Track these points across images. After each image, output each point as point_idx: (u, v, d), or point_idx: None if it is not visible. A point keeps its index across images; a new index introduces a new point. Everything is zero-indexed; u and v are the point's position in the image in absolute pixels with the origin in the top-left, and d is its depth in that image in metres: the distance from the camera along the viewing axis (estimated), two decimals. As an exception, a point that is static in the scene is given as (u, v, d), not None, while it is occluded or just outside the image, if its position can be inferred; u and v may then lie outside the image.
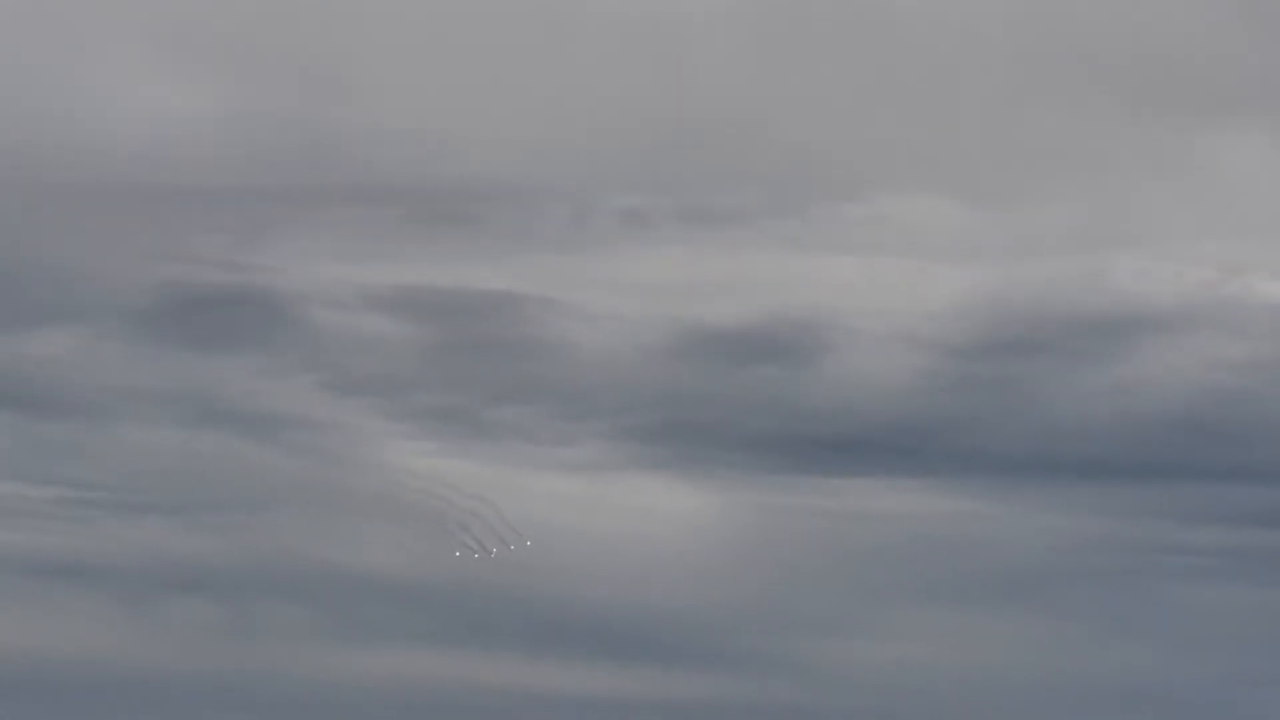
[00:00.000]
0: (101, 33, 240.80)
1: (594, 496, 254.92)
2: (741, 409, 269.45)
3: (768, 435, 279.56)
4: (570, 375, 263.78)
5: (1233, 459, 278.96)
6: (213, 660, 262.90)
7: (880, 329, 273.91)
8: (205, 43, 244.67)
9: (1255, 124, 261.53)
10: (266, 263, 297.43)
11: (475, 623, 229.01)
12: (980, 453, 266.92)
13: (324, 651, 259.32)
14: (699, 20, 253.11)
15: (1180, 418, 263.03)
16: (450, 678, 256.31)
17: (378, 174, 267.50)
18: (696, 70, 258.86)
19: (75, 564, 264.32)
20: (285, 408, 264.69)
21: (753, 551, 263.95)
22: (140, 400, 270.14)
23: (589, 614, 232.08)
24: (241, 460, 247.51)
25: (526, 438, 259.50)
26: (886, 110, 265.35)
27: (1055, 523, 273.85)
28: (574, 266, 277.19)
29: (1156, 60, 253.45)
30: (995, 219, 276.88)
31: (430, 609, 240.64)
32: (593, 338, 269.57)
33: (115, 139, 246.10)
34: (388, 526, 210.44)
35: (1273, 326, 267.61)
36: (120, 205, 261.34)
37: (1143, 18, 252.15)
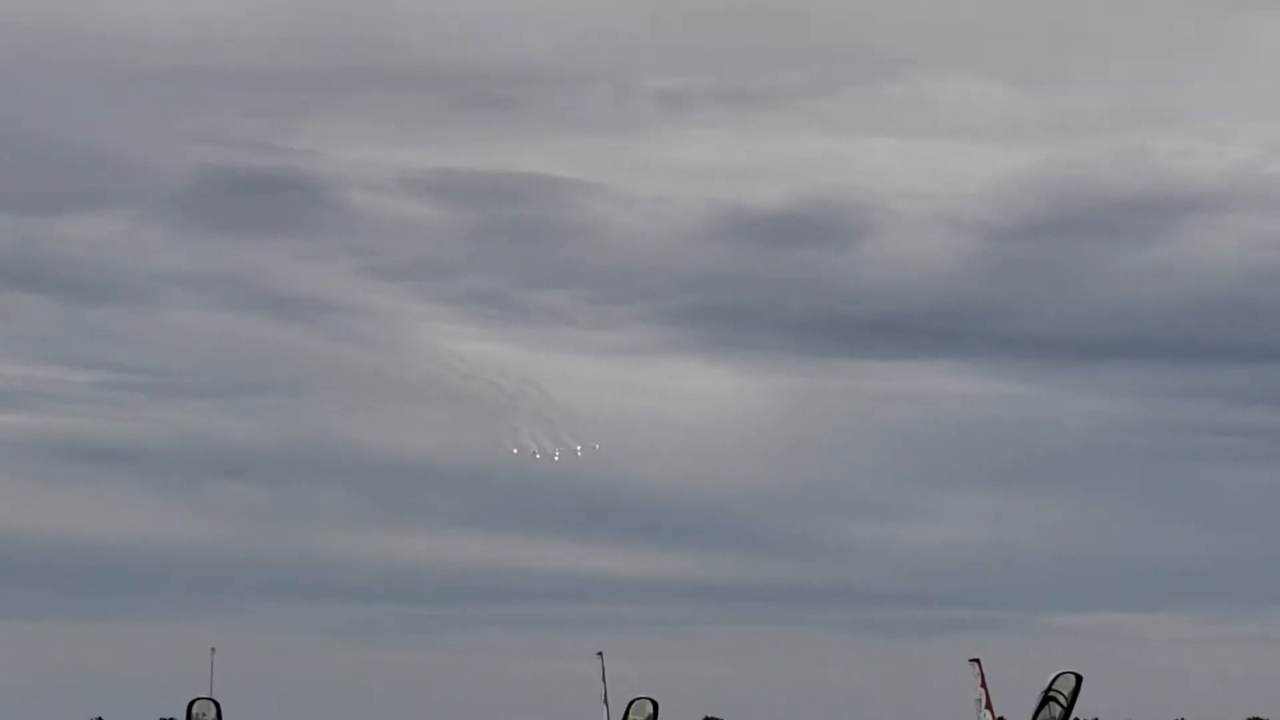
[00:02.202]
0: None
1: (633, 380, 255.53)
2: (780, 292, 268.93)
3: (807, 318, 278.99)
4: (609, 259, 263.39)
5: (1275, 339, 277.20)
6: (254, 543, 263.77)
7: (920, 211, 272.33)
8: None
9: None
10: (305, 146, 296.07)
11: (516, 507, 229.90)
12: (1020, 335, 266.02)
13: (366, 535, 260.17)
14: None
15: (1222, 298, 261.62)
16: (491, 561, 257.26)
17: (416, 57, 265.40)
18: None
19: (116, 448, 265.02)
20: (325, 292, 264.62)
21: (791, 434, 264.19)
22: (180, 284, 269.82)
23: (629, 498, 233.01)
24: (282, 344, 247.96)
25: (566, 321, 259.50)
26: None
27: (1096, 404, 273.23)
28: (613, 149, 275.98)
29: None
30: (1036, 99, 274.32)
31: (471, 493, 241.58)
32: (632, 221, 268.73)
33: (154, 24, 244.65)
34: (429, 410, 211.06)
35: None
36: (159, 90, 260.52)
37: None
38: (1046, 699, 62.06)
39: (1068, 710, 61.96)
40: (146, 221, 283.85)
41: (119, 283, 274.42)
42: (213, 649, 75.69)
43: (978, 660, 75.40)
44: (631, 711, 69.57)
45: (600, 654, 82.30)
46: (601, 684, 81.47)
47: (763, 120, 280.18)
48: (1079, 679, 61.37)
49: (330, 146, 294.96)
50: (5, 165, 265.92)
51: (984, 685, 74.71)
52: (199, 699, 69.10)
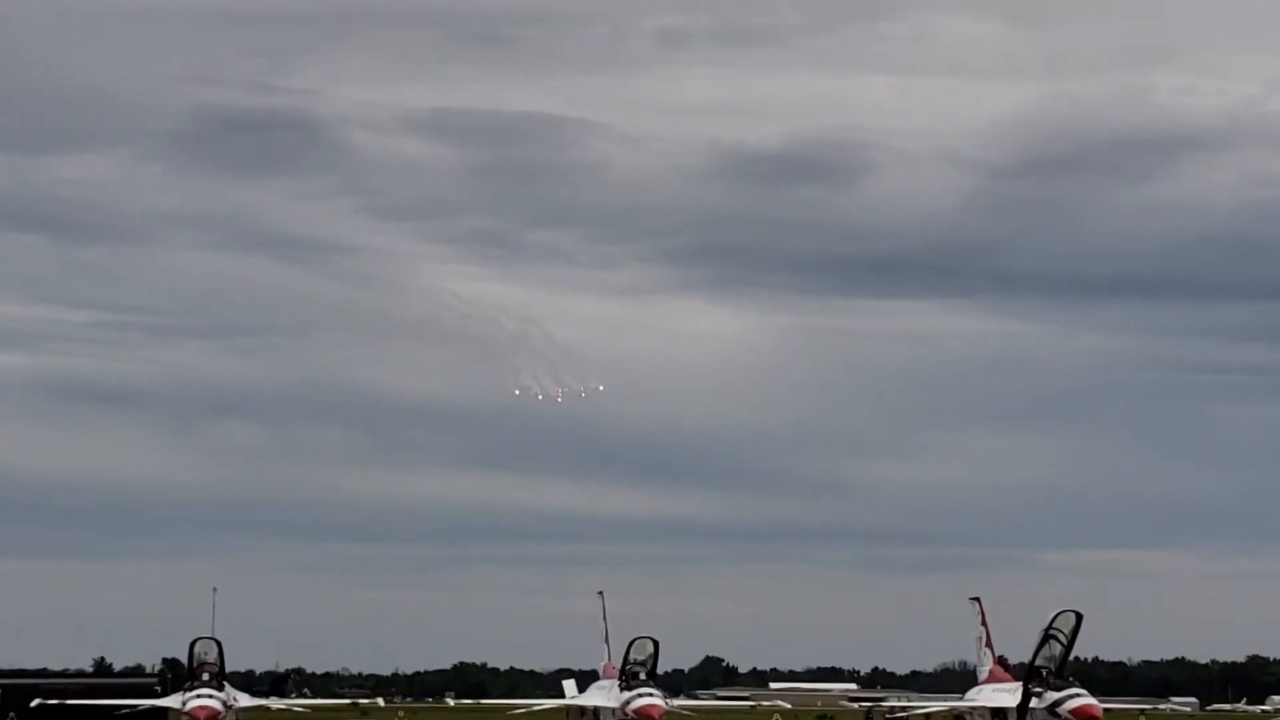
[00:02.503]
0: None
1: (633, 319, 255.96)
2: (781, 230, 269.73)
3: (807, 257, 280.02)
4: (609, 198, 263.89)
5: (1274, 276, 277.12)
6: (253, 483, 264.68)
7: (920, 149, 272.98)
8: None
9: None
10: (303, 86, 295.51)
11: (517, 446, 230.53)
12: (1020, 273, 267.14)
13: (365, 475, 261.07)
14: None
15: (1222, 235, 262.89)
16: (492, 501, 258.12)
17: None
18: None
19: (114, 388, 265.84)
20: (323, 232, 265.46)
21: (793, 373, 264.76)
22: (178, 225, 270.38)
23: (631, 437, 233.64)
24: (280, 284, 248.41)
25: (566, 261, 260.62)
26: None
27: (1096, 342, 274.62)
28: (612, 88, 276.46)
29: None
30: (1036, 37, 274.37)
31: (472, 433, 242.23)
32: (631, 160, 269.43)
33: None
34: (428, 350, 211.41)
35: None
36: (156, 30, 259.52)
37: None
38: (1046, 637, 62.22)
39: (1068, 649, 62.13)
40: (143, 161, 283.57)
41: (115, 223, 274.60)
42: (214, 588, 75.92)
43: (978, 599, 75.57)
44: (632, 650, 69.74)
45: (601, 593, 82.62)
46: (602, 622, 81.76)
47: (762, 59, 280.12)
48: (1079, 617, 61.50)
49: (329, 86, 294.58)
50: (1, 105, 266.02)
51: (984, 624, 74.86)
52: (201, 638, 69.28)
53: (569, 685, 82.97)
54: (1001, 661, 74.09)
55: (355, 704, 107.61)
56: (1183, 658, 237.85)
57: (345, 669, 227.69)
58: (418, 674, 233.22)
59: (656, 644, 69.40)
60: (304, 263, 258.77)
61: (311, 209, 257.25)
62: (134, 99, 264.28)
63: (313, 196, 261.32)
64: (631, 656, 69.64)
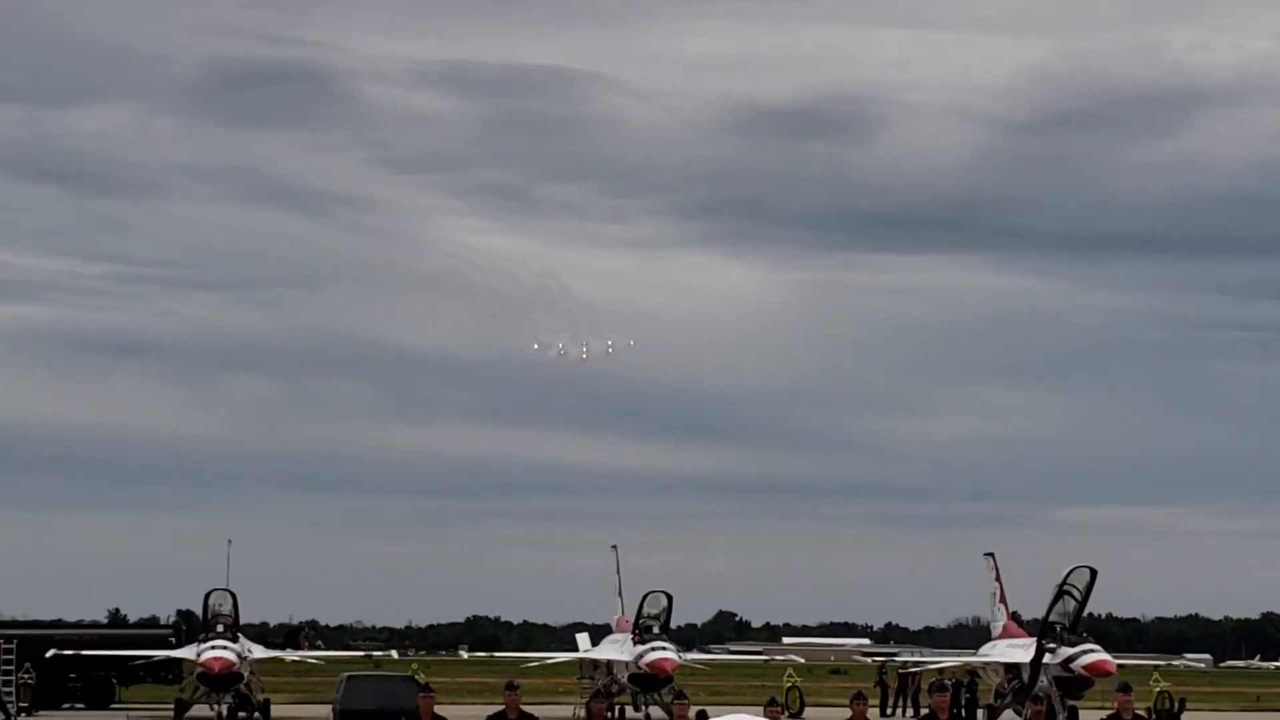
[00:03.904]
0: None
1: (647, 274, 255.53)
2: (794, 185, 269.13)
3: (820, 211, 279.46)
4: (621, 152, 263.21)
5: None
6: (268, 436, 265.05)
7: (933, 103, 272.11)
8: None
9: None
10: (315, 38, 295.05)
11: (531, 400, 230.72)
12: (1034, 229, 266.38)
13: (380, 428, 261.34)
14: None
15: (1236, 192, 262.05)
16: (506, 455, 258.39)
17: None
18: None
19: (128, 340, 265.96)
20: (336, 184, 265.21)
21: (806, 328, 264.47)
22: (190, 177, 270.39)
23: (644, 392, 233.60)
24: (293, 237, 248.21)
25: (578, 214, 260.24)
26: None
27: (1110, 298, 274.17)
28: (624, 41, 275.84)
29: None
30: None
31: (486, 386, 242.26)
32: (644, 114, 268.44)
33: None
34: (442, 304, 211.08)
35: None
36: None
37: None
38: (1061, 593, 62.20)
39: (1082, 605, 62.12)
40: (156, 113, 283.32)
41: (128, 175, 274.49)
42: (229, 540, 76.00)
43: (992, 554, 75.60)
44: (646, 604, 69.83)
45: (615, 547, 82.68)
46: (616, 577, 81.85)
47: (774, 13, 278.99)
48: (1094, 573, 61.48)
49: (340, 38, 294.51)
50: (14, 57, 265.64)
51: (998, 580, 74.89)
52: (215, 590, 69.43)
53: (582, 639, 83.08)
54: (1015, 617, 74.11)
55: (369, 656, 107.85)
56: (1196, 614, 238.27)
57: (359, 622, 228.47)
58: (431, 627, 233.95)
59: (670, 598, 69.49)
60: (318, 215, 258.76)
61: (324, 162, 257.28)
62: (145, 51, 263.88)
63: (325, 149, 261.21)
64: (645, 610, 69.73)
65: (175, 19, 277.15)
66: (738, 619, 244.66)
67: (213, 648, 66.15)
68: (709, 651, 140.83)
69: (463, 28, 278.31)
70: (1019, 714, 62.38)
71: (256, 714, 68.42)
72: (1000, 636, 72.94)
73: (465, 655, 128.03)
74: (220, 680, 65.93)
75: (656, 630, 68.95)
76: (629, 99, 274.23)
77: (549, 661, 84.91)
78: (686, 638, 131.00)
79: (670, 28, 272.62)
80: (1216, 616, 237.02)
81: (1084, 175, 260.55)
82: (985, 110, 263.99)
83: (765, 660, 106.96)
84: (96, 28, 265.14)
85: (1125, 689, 28.49)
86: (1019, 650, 66.86)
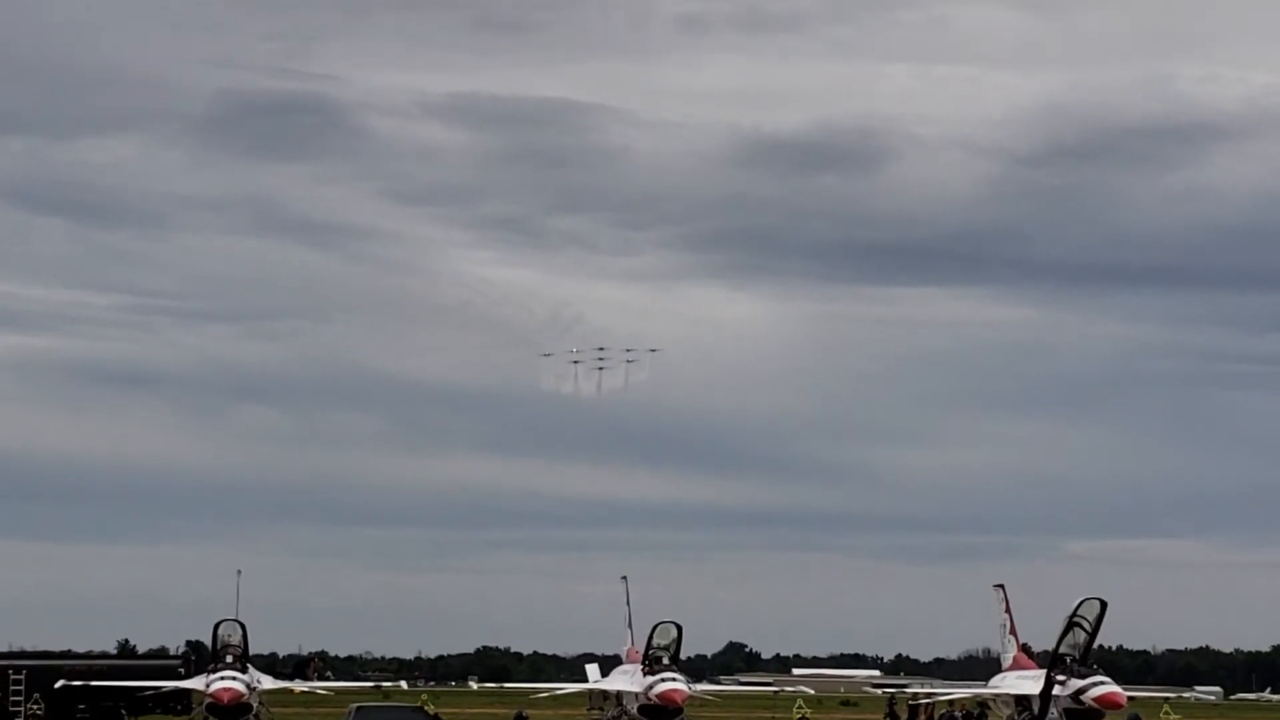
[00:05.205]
0: None
1: (655, 305, 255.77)
2: (801, 217, 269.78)
3: (827, 243, 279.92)
4: (629, 184, 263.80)
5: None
6: (277, 467, 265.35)
7: (940, 136, 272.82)
8: None
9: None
10: (324, 70, 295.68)
11: (539, 431, 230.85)
12: (1042, 261, 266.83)
13: (390, 459, 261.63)
14: None
15: (1244, 225, 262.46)
16: (516, 485, 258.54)
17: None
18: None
19: (138, 371, 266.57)
20: (345, 216, 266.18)
21: (813, 360, 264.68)
22: (200, 208, 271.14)
23: (652, 422, 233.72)
24: (303, 268, 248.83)
25: (587, 246, 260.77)
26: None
27: (1116, 330, 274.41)
28: (632, 73, 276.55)
29: None
30: (1056, 23, 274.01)
31: (494, 417, 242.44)
32: (651, 146, 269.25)
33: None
34: (452, 335, 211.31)
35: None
36: (176, 13, 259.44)
37: None
38: (1071, 625, 62.09)
39: (1092, 636, 62.00)
40: (165, 145, 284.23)
41: (138, 206, 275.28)
42: (238, 570, 76.10)
43: (1002, 586, 75.52)
44: (655, 635, 69.77)
45: (624, 578, 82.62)
46: (625, 607, 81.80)
47: (782, 45, 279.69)
48: (1104, 605, 61.36)
49: (349, 70, 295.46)
50: (24, 88, 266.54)
51: (1008, 611, 74.81)
52: (225, 620, 69.39)
53: (592, 669, 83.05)
54: (1025, 649, 73.97)
55: (378, 687, 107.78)
56: (1207, 646, 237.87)
57: (368, 652, 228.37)
58: (441, 657, 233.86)
59: (680, 629, 69.39)
60: (326, 247, 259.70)
61: (333, 193, 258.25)
62: (155, 82, 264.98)
63: (334, 181, 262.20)
64: (655, 641, 69.66)
65: (186, 51, 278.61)
66: (748, 650, 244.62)
67: (222, 678, 66.07)
68: (719, 682, 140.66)
69: (471, 60, 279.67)
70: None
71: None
72: (1010, 668, 72.80)
73: (475, 686, 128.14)
74: (229, 711, 65.84)
75: (666, 661, 68.88)
76: (637, 131, 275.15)
77: (558, 693, 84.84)
78: (696, 669, 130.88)
79: (678, 60, 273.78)
80: (1227, 649, 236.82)
81: (1092, 208, 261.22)
82: (993, 143, 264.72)
83: (775, 692, 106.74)
84: (106, 59, 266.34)
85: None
86: (1029, 682, 66.70)
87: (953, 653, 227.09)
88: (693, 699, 70.87)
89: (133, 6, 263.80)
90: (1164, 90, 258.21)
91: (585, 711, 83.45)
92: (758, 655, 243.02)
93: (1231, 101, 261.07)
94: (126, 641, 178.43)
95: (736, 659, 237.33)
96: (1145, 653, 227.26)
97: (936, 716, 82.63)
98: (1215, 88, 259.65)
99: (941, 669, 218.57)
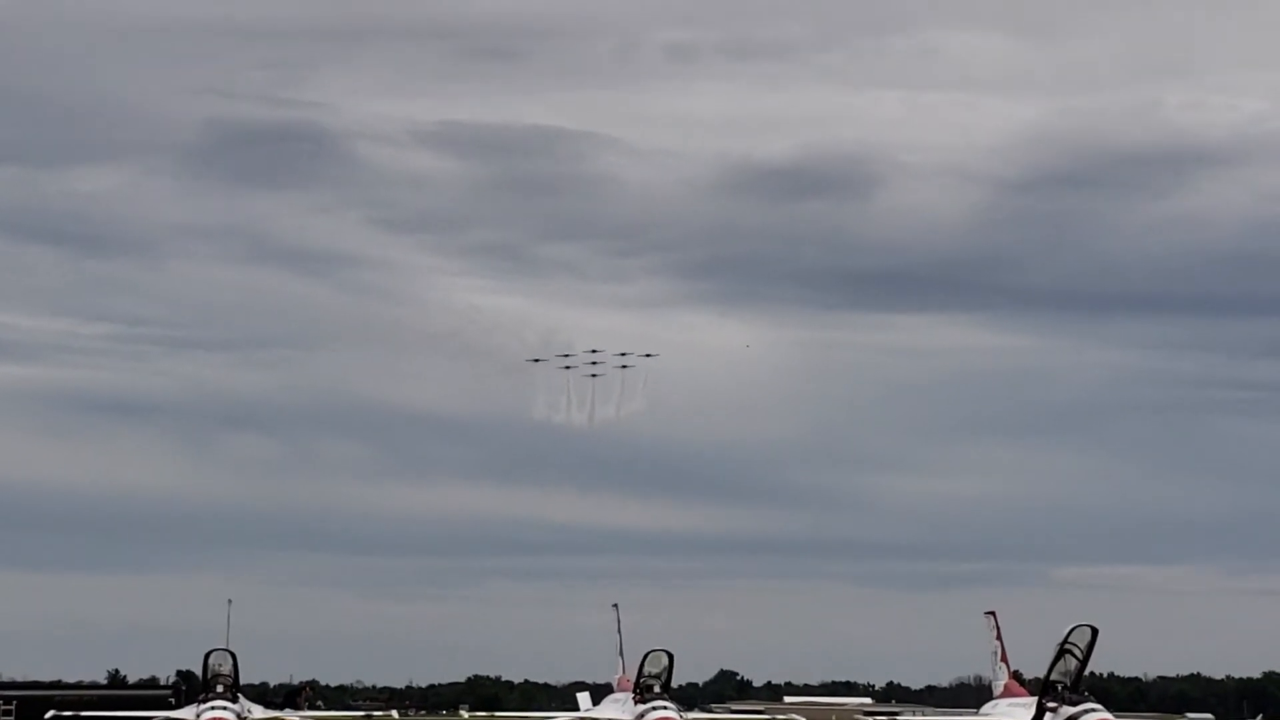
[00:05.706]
0: None
1: (644, 332, 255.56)
2: (790, 244, 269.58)
3: (817, 270, 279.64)
4: (619, 211, 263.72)
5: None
6: (268, 495, 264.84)
7: (929, 163, 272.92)
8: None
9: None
10: (313, 99, 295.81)
11: (530, 459, 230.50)
12: (1031, 288, 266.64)
13: (379, 487, 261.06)
14: None
15: (1232, 251, 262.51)
16: (506, 514, 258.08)
17: (424, 10, 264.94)
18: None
19: (127, 400, 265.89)
20: (335, 244, 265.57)
21: (803, 387, 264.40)
22: (190, 237, 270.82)
23: (642, 450, 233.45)
24: (293, 297, 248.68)
25: (576, 274, 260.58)
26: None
27: (1106, 357, 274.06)
28: (620, 101, 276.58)
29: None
30: (1044, 51, 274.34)
31: (485, 446, 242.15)
32: (641, 173, 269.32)
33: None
34: (442, 363, 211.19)
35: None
36: (167, 42, 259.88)
37: None
38: (1062, 652, 62.07)
39: (1083, 663, 61.98)
40: (155, 174, 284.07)
41: (128, 235, 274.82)
42: (229, 600, 75.92)
43: (993, 613, 75.46)
44: (647, 663, 69.68)
45: (616, 606, 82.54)
46: (617, 635, 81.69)
47: (771, 73, 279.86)
48: (1095, 632, 61.36)
49: (338, 99, 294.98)
50: (14, 118, 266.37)
51: (999, 638, 74.77)
52: (215, 650, 69.28)
53: (583, 698, 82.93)
54: (1017, 676, 73.94)
55: (369, 716, 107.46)
56: (1198, 674, 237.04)
57: (359, 681, 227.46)
58: (432, 686, 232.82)
59: (671, 657, 69.34)
60: (316, 275, 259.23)
61: (322, 222, 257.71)
62: (145, 112, 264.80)
63: (324, 209, 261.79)
64: (646, 669, 69.58)
65: (175, 80, 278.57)
66: (739, 678, 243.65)
67: (212, 708, 66.00)
68: (710, 711, 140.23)
69: (461, 89, 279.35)
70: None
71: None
72: (1002, 695, 72.77)
73: (466, 715, 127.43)
74: (220, 741, 65.72)
75: (658, 689, 68.84)
76: (627, 159, 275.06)
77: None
78: (688, 697, 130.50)
79: (667, 88, 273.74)
80: (1218, 676, 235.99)
81: (1081, 234, 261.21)
82: (982, 170, 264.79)
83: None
84: (96, 89, 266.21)
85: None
86: (1021, 709, 66.68)
87: (944, 680, 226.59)
88: (684, 727, 70.76)
89: (124, 37, 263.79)
90: (1153, 117, 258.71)
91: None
92: (749, 683, 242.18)
93: (1220, 129, 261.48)
94: (117, 671, 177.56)
95: (728, 687, 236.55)
96: (1137, 680, 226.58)
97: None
98: (1204, 115, 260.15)
99: (933, 696, 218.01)
